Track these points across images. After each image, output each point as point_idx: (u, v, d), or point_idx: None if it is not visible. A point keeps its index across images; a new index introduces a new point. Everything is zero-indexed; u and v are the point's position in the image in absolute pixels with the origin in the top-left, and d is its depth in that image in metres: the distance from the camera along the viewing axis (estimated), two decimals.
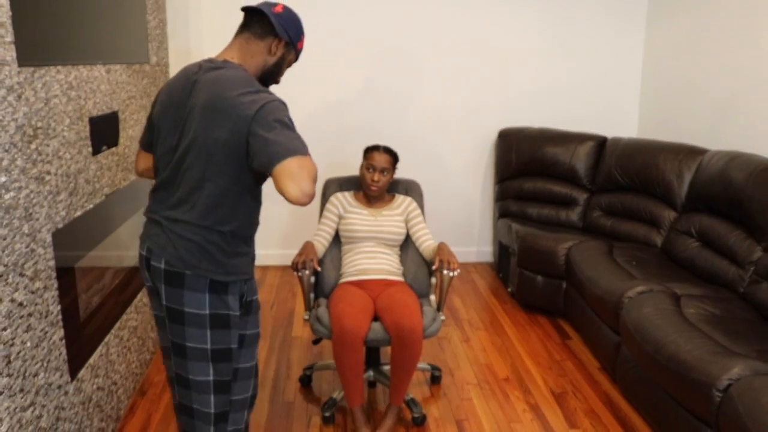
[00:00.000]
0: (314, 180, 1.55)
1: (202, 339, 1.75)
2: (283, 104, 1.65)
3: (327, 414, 2.61)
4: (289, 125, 1.61)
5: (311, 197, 1.53)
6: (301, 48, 1.88)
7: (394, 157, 2.77)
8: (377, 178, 2.73)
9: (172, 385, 1.92)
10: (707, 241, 3.11)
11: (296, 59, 1.90)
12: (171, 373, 1.88)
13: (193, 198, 1.69)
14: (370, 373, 2.78)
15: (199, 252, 1.70)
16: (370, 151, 2.77)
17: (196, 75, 1.74)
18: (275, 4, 1.82)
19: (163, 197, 1.76)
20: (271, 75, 1.85)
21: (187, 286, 1.71)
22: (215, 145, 1.64)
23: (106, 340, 2.40)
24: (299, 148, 1.55)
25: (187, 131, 1.69)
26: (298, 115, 4.19)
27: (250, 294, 1.92)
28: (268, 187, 3.83)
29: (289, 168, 1.52)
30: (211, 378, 1.79)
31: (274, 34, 1.78)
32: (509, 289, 3.95)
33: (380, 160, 2.72)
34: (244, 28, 1.81)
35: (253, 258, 1.86)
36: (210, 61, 1.78)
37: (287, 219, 4.34)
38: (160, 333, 1.89)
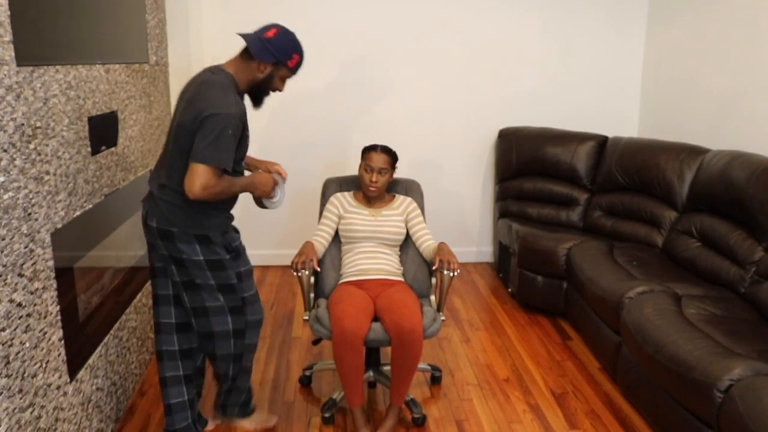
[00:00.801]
0: (204, 187, 1.97)
1: (206, 278, 2.18)
2: (232, 119, 2.01)
3: (327, 415, 2.61)
4: (219, 137, 1.99)
5: (194, 196, 1.98)
6: (294, 65, 2.18)
7: (392, 157, 2.76)
8: (375, 179, 2.72)
9: (157, 332, 2.31)
10: (708, 241, 3.11)
11: (293, 73, 2.22)
12: (162, 319, 2.29)
13: (173, 169, 2.10)
14: (370, 373, 2.77)
15: (180, 212, 2.11)
16: (367, 151, 2.76)
17: (198, 76, 2.14)
18: (270, 28, 2.14)
19: (157, 170, 2.19)
20: (260, 88, 2.21)
21: (178, 239, 2.13)
22: (183, 127, 2.05)
23: (105, 340, 2.39)
24: (208, 158, 1.97)
25: (175, 117, 2.13)
26: (297, 115, 4.19)
27: (234, 240, 2.29)
28: None
29: (193, 168, 1.98)
30: (223, 303, 2.22)
31: (260, 57, 2.11)
32: (509, 290, 3.94)
33: (378, 160, 2.71)
34: (245, 47, 2.16)
35: (228, 216, 2.26)
36: (212, 67, 2.17)
37: (287, 219, 4.33)
38: (154, 282, 2.28)
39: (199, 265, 2.16)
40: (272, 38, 2.12)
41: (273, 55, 2.11)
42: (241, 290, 2.27)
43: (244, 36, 2.12)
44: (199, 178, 1.97)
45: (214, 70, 2.13)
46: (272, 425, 2.58)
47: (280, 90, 2.24)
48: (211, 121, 1.98)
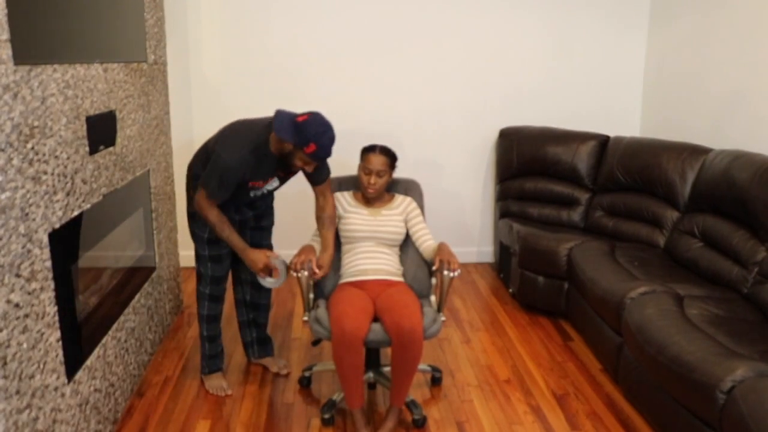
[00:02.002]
0: (202, 209, 2.48)
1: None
2: (231, 169, 2.38)
3: (326, 416, 2.59)
4: (221, 174, 2.39)
5: (197, 209, 2.51)
6: (311, 153, 2.33)
7: (391, 158, 2.74)
8: (373, 181, 2.70)
9: (237, 307, 2.98)
10: (710, 241, 3.09)
11: (314, 161, 2.39)
12: (240, 296, 2.94)
13: None
14: (370, 374, 2.76)
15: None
16: (366, 152, 2.73)
17: (247, 121, 2.55)
18: (305, 114, 2.36)
19: None
20: (286, 160, 2.44)
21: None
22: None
23: (103, 341, 2.38)
24: (206, 186, 2.43)
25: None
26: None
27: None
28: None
29: (198, 193, 2.49)
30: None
31: (278, 134, 2.34)
32: (510, 290, 3.93)
33: (376, 162, 2.69)
34: None
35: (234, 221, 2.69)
36: (265, 119, 2.50)
37: (286, 219, 4.32)
38: (237, 265, 2.85)
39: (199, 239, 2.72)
40: (299, 122, 2.33)
41: (292, 137, 2.32)
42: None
43: (278, 112, 2.38)
44: (199, 199, 2.47)
45: (260, 122, 2.46)
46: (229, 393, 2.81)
47: (306, 169, 2.45)
48: (214, 159, 2.40)
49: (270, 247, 2.90)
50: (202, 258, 2.70)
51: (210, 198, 2.44)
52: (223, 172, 2.38)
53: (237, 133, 2.45)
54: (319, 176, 2.62)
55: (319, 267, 2.58)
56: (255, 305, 2.95)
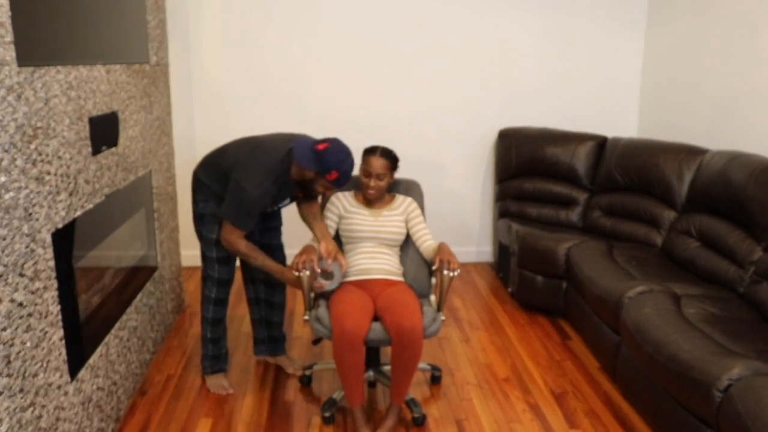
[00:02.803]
0: (231, 243, 2.53)
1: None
2: (257, 197, 2.42)
3: (327, 414, 2.61)
4: (247, 207, 2.44)
5: (225, 246, 2.57)
6: (333, 180, 2.41)
7: (392, 161, 2.74)
8: (373, 184, 2.71)
9: (250, 305, 2.99)
10: (707, 241, 3.11)
11: (335, 187, 2.46)
12: (253, 295, 2.96)
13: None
14: (371, 373, 2.78)
15: None
16: (367, 154, 2.74)
17: (267, 138, 2.58)
18: (325, 142, 2.42)
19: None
20: (306, 186, 2.51)
21: None
22: (224, 162, 2.59)
23: (106, 340, 2.39)
24: (233, 220, 2.48)
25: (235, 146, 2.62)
26: (297, 115, 4.19)
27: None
28: None
29: (225, 228, 2.53)
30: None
31: (300, 162, 2.42)
32: (509, 289, 3.94)
33: (376, 166, 2.70)
34: None
35: None
36: (286, 138, 2.54)
37: (287, 220, 4.33)
38: (247, 265, 2.84)
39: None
40: (320, 150, 2.40)
41: (314, 165, 2.40)
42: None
43: (297, 140, 2.46)
44: (224, 233, 2.52)
45: (277, 148, 2.46)
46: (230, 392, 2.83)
47: (326, 194, 2.57)
48: (235, 191, 2.42)
49: (280, 247, 2.91)
50: (210, 260, 2.70)
51: (239, 229, 2.49)
52: (249, 205, 2.43)
53: (257, 161, 2.44)
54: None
55: (331, 259, 2.60)
56: (269, 303, 2.97)
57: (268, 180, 2.42)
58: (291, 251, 3.84)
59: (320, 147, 2.41)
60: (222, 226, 2.53)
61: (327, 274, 2.60)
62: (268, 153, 2.47)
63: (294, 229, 4.37)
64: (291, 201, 2.69)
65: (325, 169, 2.39)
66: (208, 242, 2.68)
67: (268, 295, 2.95)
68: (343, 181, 2.44)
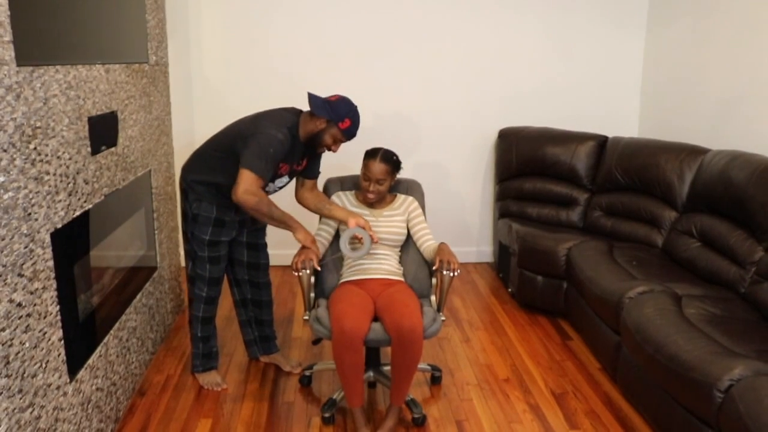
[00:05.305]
0: (253, 194, 2.38)
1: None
2: (281, 138, 2.44)
3: (327, 414, 2.61)
4: (272, 148, 2.42)
5: (238, 200, 2.40)
6: (346, 128, 2.53)
7: (392, 166, 2.72)
8: (373, 189, 2.70)
9: (237, 307, 3.01)
10: (708, 241, 3.11)
11: (346, 137, 2.57)
12: (240, 297, 2.97)
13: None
14: (370, 373, 2.77)
15: None
16: (368, 157, 2.72)
17: (271, 110, 2.63)
18: (335, 96, 2.58)
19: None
20: (315, 140, 2.58)
21: None
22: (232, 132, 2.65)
23: (105, 340, 2.39)
24: (254, 166, 2.39)
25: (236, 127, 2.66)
26: None
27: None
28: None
29: (242, 173, 2.40)
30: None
31: (317, 112, 2.51)
32: (509, 290, 3.94)
33: (376, 170, 2.68)
34: None
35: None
36: (289, 108, 2.65)
37: None
38: (233, 267, 2.91)
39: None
40: (332, 101, 2.54)
41: (328, 113, 2.50)
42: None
43: (311, 96, 2.54)
44: (242, 180, 2.38)
45: (283, 110, 2.58)
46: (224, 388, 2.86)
47: (332, 150, 2.60)
48: (257, 137, 2.42)
49: (265, 246, 2.95)
50: (201, 259, 2.70)
51: (260, 177, 2.40)
52: (274, 147, 2.42)
53: (266, 120, 2.52)
54: (315, 169, 2.81)
55: (366, 236, 2.63)
56: (257, 303, 2.97)
57: (284, 128, 2.48)
58: (290, 251, 3.83)
59: (332, 98, 2.55)
60: (240, 182, 2.38)
61: (357, 244, 2.65)
62: (273, 114, 2.56)
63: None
64: (290, 179, 2.70)
65: (339, 116, 2.50)
66: (200, 242, 2.68)
67: (255, 294, 2.96)
68: (354, 130, 2.55)
